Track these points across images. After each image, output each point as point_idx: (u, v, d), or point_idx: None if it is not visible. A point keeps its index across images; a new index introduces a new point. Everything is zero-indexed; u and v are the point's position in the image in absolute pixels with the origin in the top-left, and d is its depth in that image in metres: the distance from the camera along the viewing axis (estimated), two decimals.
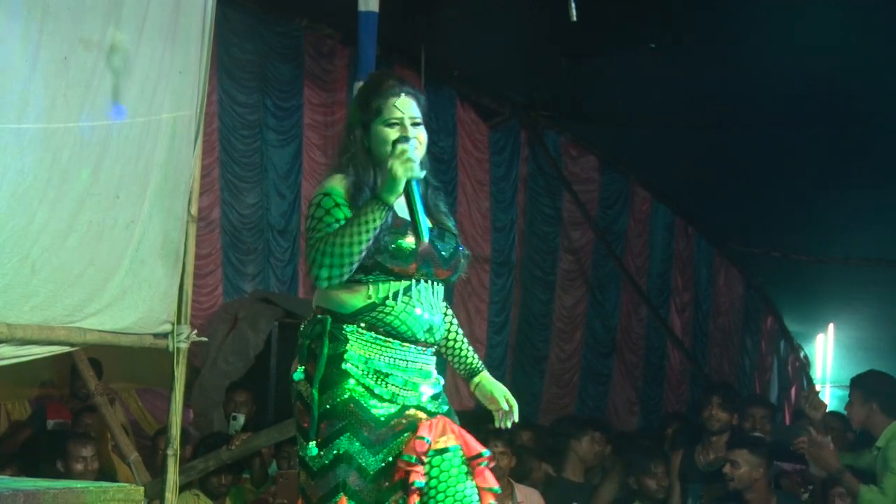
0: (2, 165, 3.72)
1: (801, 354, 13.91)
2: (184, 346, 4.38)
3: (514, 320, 10.53)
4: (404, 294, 3.14)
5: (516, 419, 3.42)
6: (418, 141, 3.19)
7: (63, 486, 3.19)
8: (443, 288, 3.26)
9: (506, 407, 3.38)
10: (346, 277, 3.06)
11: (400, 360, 3.16)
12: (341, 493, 3.06)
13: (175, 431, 4.36)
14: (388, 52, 8.40)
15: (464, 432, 3.20)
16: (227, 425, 6.62)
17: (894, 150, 8.65)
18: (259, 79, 8.57)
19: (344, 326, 3.13)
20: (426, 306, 3.18)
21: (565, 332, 11.01)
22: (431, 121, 10.66)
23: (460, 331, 3.49)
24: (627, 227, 11.48)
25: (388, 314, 3.12)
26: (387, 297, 3.12)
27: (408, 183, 3.07)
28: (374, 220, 3.04)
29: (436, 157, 10.01)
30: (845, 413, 5.69)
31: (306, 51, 8.89)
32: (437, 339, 3.25)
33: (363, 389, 3.10)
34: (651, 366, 11.83)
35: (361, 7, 4.52)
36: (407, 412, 3.14)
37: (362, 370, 3.11)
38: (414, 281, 3.15)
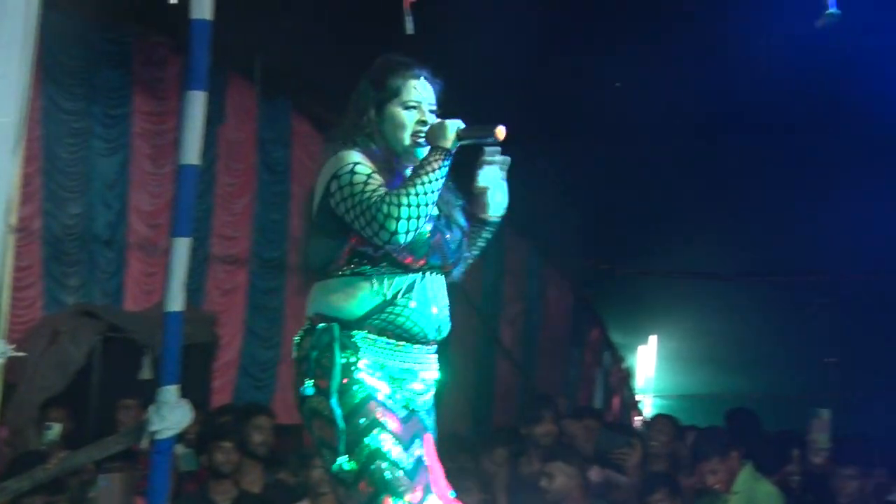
0: None
1: (624, 365, 14.32)
2: None
3: None
4: (412, 290, 2.98)
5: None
6: None
7: None
8: (445, 282, 3.10)
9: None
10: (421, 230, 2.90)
11: (413, 363, 3.02)
12: (384, 493, 2.86)
13: None
14: (223, 60, 8.24)
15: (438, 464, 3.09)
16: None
17: (719, 166, 8.96)
18: (86, 85, 8.34)
19: (353, 333, 2.96)
20: (436, 301, 3.03)
21: None
22: (265, 131, 10.61)
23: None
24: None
25: (399, 315, 2.96)
26: (396, 294, 2.96)
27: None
28: (443, 169, 2.91)
29: (269, 167, 9.90)
30: (708, 478, 5.50)
31: (136, 58, 8.70)
32: (444, 335, 3.10)
33: (380, 394, 2.94)
34: (481, 377, 11.95)
35: (194, 15, 4.39)
36: (414, 417, 3.01)
37: (377, 377, 2.95)
38: (421, 274, 3.00)
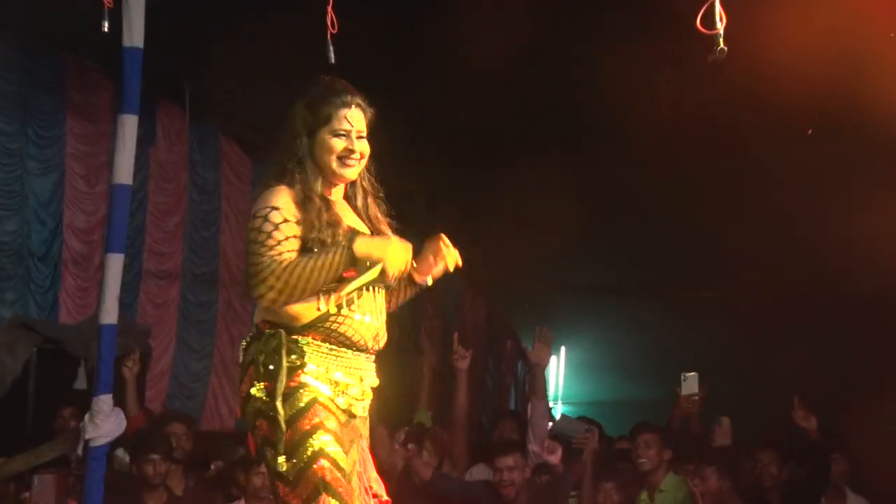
0: None
1: None
2: None
3: None
4: (353, 302, 3.01)
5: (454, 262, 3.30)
6: (361, 154, 3.09)
7: None
8: (383, 294, 3.14)
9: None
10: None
11: (354, 368, 3.05)
12: (322, 492, 2.87)
13: None
14: (154, 87, 8.24)
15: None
16: None
17: (616, 182, 9.07)
18: (21, 108, 8.31)
19: (298, 339, 2.97)
20: (374, 313, 3.07)
21: None
22: (195, 153, 10.55)
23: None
24: None
25: (341, 324, 2.99)
26: (339, 307, 2.98)
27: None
28: (339, 269, 2.92)
29: (199, 187, 9.89)
30: (641, 450, 5.45)
31: (69, 82, 8.65)
32: (381, 345, 3.14)
33: (324, 398, 2.96)
34: (407, 384, 11.98)
35: (126, 43, 4.41)
36: (353, 422, 3.06)
37: (322, 380, 2.97)
38: (364, 288, 3.03)
